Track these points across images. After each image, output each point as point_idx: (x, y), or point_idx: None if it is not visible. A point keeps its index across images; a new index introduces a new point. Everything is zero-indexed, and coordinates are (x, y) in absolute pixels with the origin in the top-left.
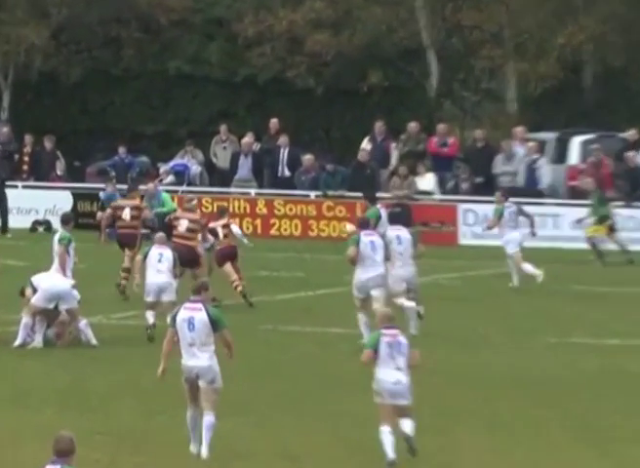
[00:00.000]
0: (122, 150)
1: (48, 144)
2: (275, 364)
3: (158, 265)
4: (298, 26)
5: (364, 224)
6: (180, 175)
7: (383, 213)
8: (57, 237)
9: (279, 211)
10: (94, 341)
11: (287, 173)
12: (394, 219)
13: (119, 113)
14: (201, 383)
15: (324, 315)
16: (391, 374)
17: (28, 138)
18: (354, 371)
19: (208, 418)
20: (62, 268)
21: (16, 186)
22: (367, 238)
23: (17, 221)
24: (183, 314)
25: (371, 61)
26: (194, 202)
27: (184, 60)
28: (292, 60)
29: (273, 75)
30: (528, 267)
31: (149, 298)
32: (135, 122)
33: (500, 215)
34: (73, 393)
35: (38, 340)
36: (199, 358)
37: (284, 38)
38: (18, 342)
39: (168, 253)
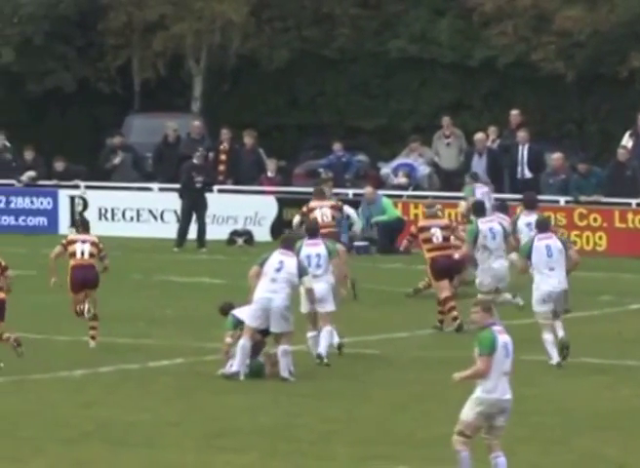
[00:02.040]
0: (338, 147)
1: (248, 141)
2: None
3: (314, 270)
4: (545, 0)
5: (542, 227)
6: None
7: None
8: (320, 251)
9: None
10: (285, 374)
11: (527, 174)
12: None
13: (332, 104)
14: (500, 420)
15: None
16: None
17: (225, 134)
18: (608, 409)
19: (501, 459)
20: (343, 281)
21: (210, 190)
22: (542, 242)
23: (212, 232)
24: (503, 339)
25: (633, 41)
26: (437, 207)
27: (409, 40)
28: (538, 41)
29: (515, 58)
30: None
31: (307, 309)
32: (350, 114)
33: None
34: (280, 433)
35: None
36: (509, 390)
37: (528, 14)
38: (234, 368)
39: (322, 252)
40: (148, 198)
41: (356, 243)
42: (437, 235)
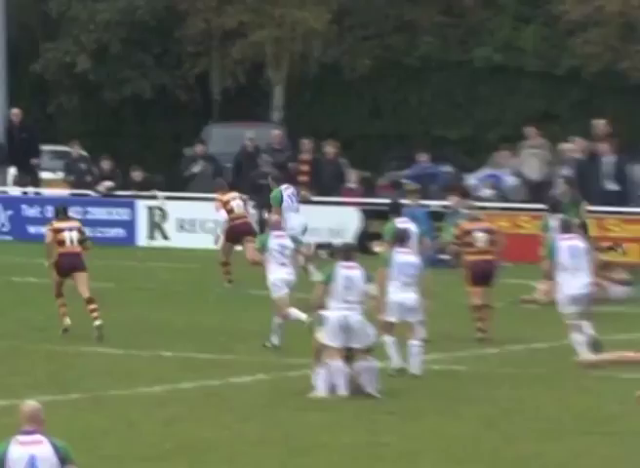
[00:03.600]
0: (424, 158)
1: (330, 151)
2: (609, 419)
3: (405, 279)
4: (632, 7)
5: (565, 228)
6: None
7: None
8: (413, 260)
9: (613, 232)
10: (369, 389)
11: (612, 185)
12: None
13: (415, 113)
14: None
15: None
16: None
17: (307, 144)
18: None
19: None
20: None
21: None
22: (565, 243)
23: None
24: None
25: None
26: (479, 211)
27: (494, 49)
28: (625, 50)
29: (603, 67)
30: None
31: (392, 319)
32: (434, 124)
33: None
34: (363, 452)
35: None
36: None
37: (616, 22)
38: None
39: (416, 261)
40: None
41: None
42: (481, 239)
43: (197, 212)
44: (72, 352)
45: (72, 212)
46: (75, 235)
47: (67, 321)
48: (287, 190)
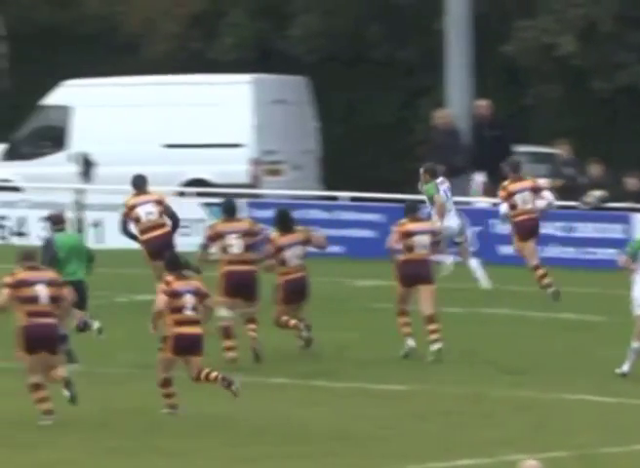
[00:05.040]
0: None
1: None
2: None
3: None
4: None
5: None
6: None
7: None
8: None
9: None
10: None
11: None
12: None
13: None
14: None
15: None
16: None
17: None
18: None
19: None
20: None
21: None
22: None
23: None
24: None
25: None
26: None
27: None
28: None
29: None
30: None
31: None
32: None
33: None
34: None
35: None
36: None
37: None
38: None
39: None
40: None
41: None
42: None
43: None
44: (552, 400)
45: (555, 228)
46: (427, 239)
47: (410, 342)
48: (442, 184)
